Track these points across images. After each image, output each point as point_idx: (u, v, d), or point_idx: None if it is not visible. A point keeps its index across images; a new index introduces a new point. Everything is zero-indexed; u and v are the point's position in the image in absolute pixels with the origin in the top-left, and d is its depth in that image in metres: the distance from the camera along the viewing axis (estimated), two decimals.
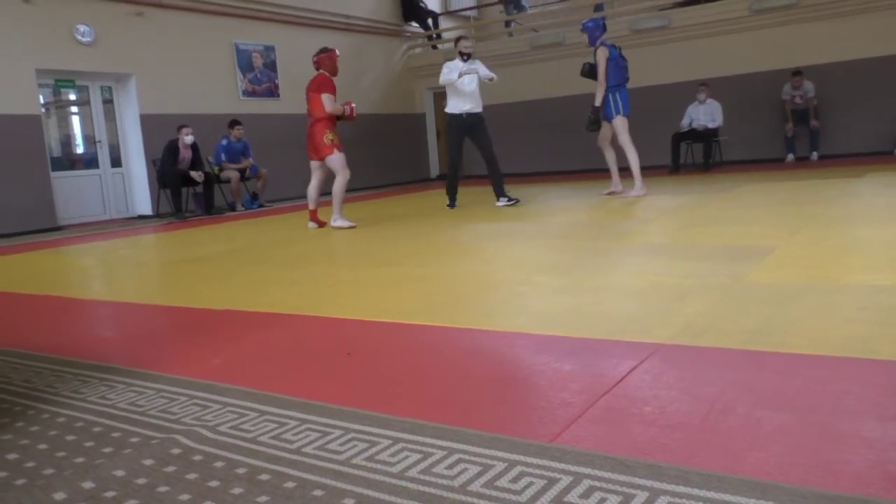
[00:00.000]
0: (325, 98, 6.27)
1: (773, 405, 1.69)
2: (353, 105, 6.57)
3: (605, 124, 7.49)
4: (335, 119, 6.42)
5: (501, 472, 1.43)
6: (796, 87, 10.38)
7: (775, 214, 5.16)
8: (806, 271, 3.19)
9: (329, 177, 6.61)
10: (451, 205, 7.52)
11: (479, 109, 7.35)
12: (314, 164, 6.62)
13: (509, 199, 7.29)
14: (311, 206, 6.76)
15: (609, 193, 7.63)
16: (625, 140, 7.29)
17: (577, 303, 2.92)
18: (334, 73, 6.47)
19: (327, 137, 6.31)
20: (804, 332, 2.26)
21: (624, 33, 11.94)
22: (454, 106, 7.29)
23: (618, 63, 7.26)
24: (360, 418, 1.78)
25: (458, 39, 7.52)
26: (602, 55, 7.19)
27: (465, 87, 7.19)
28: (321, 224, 6.71)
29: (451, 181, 7.56)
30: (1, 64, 8.42)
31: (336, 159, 6.36)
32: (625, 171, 7.61)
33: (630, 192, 7.31)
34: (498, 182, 7.38)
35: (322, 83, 6.34)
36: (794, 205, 5.60)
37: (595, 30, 7.35)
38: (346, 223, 6.41)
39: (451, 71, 7.17)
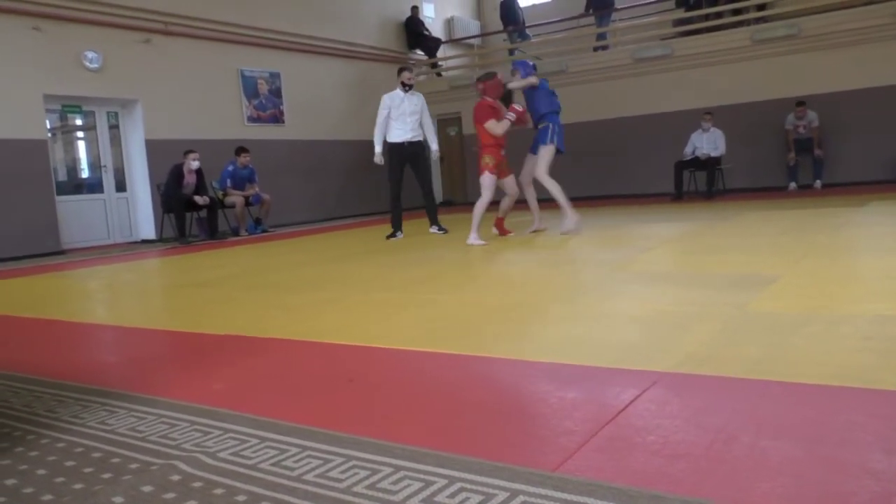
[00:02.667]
0: (490, 126, 6.51)
1: (778, 435, 1.67)
2: (517, 108, 6.56)
3: (529, 156, 7.03)
4: (501, 145, 6.67)
5: (504, 502, 1.41)
6: (800, 116, 10.44)
7: (778, 243, 5.16)
8: (810, 300, 3.18)
9: (520, 192, 6.89)
10: (394, 235, 7.72)
11: (420, 138, 7.70)
12: (499, 182, 6.84)
13: (440, 228, 7.84)
14: (500, 215, 7.09)
15: (534, 231, 7.14)
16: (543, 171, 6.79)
17: (581, 330, 2.91)
18: (499, 97, 6.69)
19: (484, 160, 6.63)
20: (808, 362, 2.25)
21: (627, 62, 12.06)
22: (396, 135, 7.60)
23: (548, 91, 6.96)
24: (362, 445, 1.76)
25: (401, 70, 7.78)
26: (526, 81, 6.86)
27: (405, 116, 7.55)
28: (504, 233, 6.98)
29: (396, 211, 7.76)
30: (9, 89, 8.51)
31: (485, 179, 6.63)
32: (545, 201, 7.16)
33: (566, 225, 6.72)
34: (433, 211, 7.97)
35: (482, 113, 6.58)
36: (797, 233, 5.60)
37: (525, 67, 7.06)
38: (478, 242, 6.49)
39: (387, 105, 7.56)
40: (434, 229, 7.89)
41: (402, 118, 7.58)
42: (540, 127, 6.89)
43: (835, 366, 2.18)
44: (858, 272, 3.90)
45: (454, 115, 14.37)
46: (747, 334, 2.63)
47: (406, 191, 7.97)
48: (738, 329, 2.72)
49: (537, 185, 6.98)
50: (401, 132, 7.59)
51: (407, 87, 7.61)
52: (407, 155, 7.64)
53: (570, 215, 6.71)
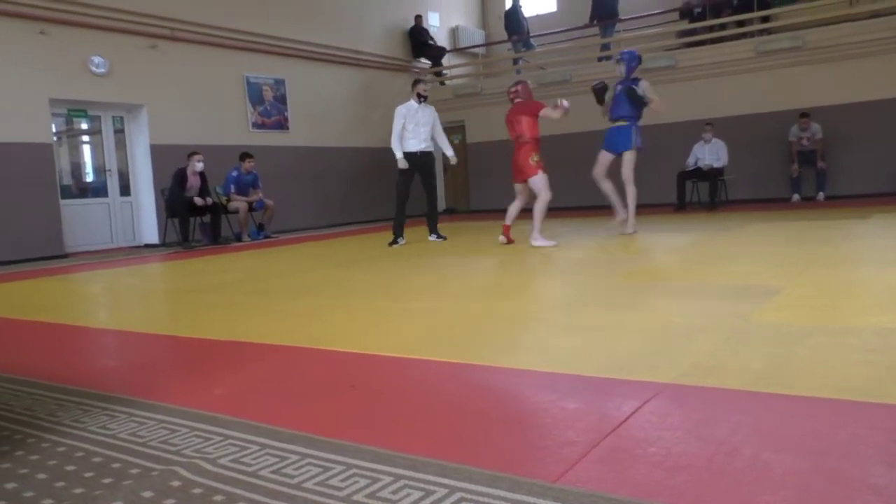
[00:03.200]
0: (547, 112, 6.54)
1: (781, 448, 1.66)
2: (564, 103, 6.56)
3: (606, 155, 7.39)
4: (540, 142, 6.71)
5: None
6: (803, 129, 10.45)
7: (782, 254, 5.15)
8: (813, 312, 3.17)
9: (531, 199, 6.85)
10: (396, 241, 7.79)
11: (431, 148, 7.94)
12: (518, 186, 6.92)
13: (439, 236, 8.03)
14: (507, 222, 7.03)
15: (621, 223, 7.43)
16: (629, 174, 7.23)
17: (583, 340, 2.91)
18: (531, 98, 6.86)
19: (532, 159, 6.61)
20: (812, 374, 2.24)
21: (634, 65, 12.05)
22: (409, 145, 7.77)
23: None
24: (363, 454, 1.76)
25: (415, 81, 7.97)
26: (648, 85, 7.21)
27: (418, 127, 7.75)
28: (510, 241, 6.98)
29: (400, 218, 7.86)
30: (16, 93, 8.54)
31: (539, 180, 6.61)
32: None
33: (627, 229, 7.24)
34: (435, 220, 8.14)
35: (529, 106, 6.67)
36: (800, 244, 5.59)
37: (632, 61, 7.35)
38: (545, 242, 6.53)
39: (402, 116, 7.71)
40: (433, 237, 8.07)
41: (416, 129, 7.76)
42: (619, 125, 7.18)
43: (838, 378, 2.17)
44: (862, 284, 3.89)
45: (458, 123, 14.39)
46: (750, 345, 2.62)
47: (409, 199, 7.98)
48: (742, 340, 2.71)
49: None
50: (414, 142, 7.77)
51: (422, 98, 7.79)
52: (418, 165, 7.81)
53: (632, 221, 7.21)
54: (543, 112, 6.59)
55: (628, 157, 7.16)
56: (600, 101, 7.31)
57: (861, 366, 2.29)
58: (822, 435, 1.74)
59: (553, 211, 7.27)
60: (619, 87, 7.28)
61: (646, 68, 11.96)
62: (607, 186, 7.44)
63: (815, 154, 10.46)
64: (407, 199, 7.88)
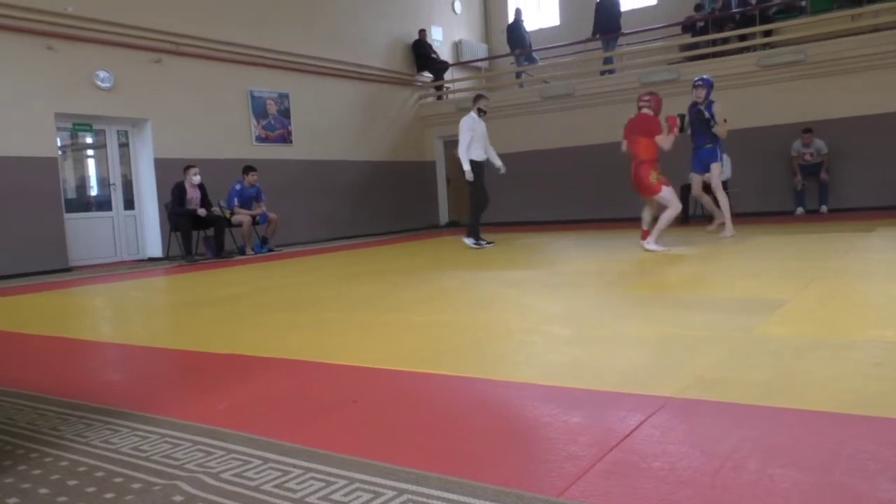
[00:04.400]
0: (661, 139, 6.74)
1: (786, 462, 1.65)
2: (676, 119, 6.83)
3: (696, 177, 7.97)
4: (658, 161, 6.88)
5: None
6: (806, 144, 10.45)
7: (786, 267, 5.14)
8: (818, 325, 3.16)
9: (660, 209, 6.99)
10: (486, 243, 8.37)
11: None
12: (645, 197, 7.10)
13: (476, 241, 8.41)
14: (645, 227, 7.13)
15: (718, 227, 7.98)
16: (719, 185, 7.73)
17: (587, 353, 2.90)
18: (659, 113, 6.98)
19: (653, 177, 6.79)
20: (817, 388, 2.23)
21: (634, 85, 12.09)
22: (477, 154, 8.28)
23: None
24: (365, 468, 1.75)
25: (478, 97, 8.56)
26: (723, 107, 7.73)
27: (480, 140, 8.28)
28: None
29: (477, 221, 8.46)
30: (21, 107, 8.59)
31: (666, 194, 6.79)
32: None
33: (725, 233, 7.66)
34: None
35: (652, 124, 6.78)
36: (804, 258, 5.58)
37: (710, 87, 7.80)
38: (659, 248, 6.73)
39: (471, 128, 8.19)
40: (470, 241, 8.44)
41: (479, 140, 8.31)
42: (707, 147, 7.72)
43: (843, 392, 2.16)
44: (866, 297, 3.88)
45: None
46: (755, 359, 2.61)
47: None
48: (746, 353, 2.70)
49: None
50: (479, 152, 8.33)
51: (483, 112, 8.41)
52: (480, 172, 8.32)
53: (729, 226, 7.69)
54: (659, 139, 6.74)
55: (716, 171, 7.63)
56: (682, 129, 7.66)
57: (866, 379, 2.28)
58: (827, 449, 1.73)
59: (552, 225, 7.27)
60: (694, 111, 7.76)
61: (648, 81, 12.02)
62: (706, 200, 8.16)
63: (820, 166, 10.46)
64: (487, 202, 8.45)
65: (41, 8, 8.70)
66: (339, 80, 12.89)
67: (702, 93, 7.70)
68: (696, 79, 7.93)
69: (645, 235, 7.06)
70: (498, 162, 8.49)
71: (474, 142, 8.22)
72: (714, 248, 6.76)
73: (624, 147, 7.09)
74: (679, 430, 1.92)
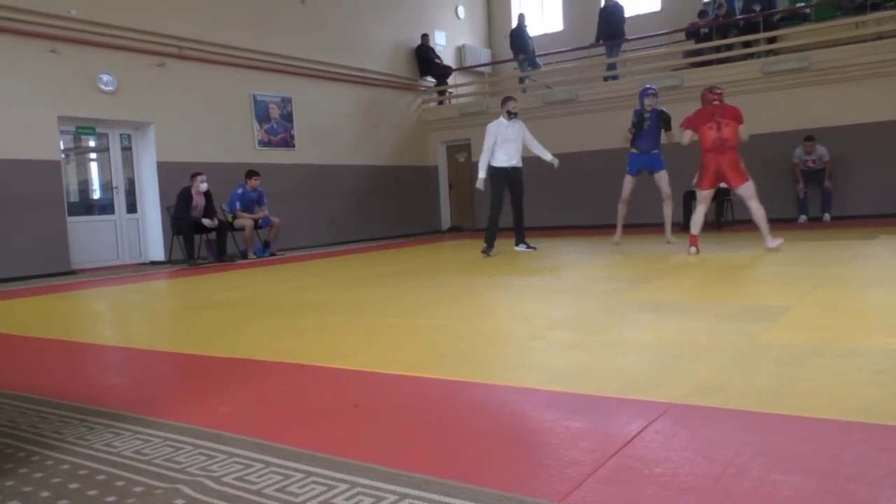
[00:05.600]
0: (744, 130, 6.79)
1: (788, 469, 1.65)
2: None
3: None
4: None
5: None
6: (808, 151, 10.45)
7: (789, 274, 5.14)
8: (820, 332, 3.16)
9: (709, 210, 7.05)
10: (488, 252, 7.92)
11: (520, 164, 8.12)
12: (705, 193, 7.02)
13: (528, 246, 8.22)
14: (694, 232, 7.00)
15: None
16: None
17: (589, 359, 2.90)
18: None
19: (742, 165, 6.78)
20: (819, 395, 2.22)
21: (637, 92, 12.09)
22: (501, 160, 7.95)
23: None
24: (366, 472, 1.75)
25: (506, 99, 8.23)
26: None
27: (509, 142, 7.94)
28: (698, 250, 6.91)
29: (494, 229, 8.03)
30: (25, 111, 8.61)
31: (752, 185, 6.80)
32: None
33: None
34: (522, 231, 8.33)
35: (738, 112, 6.83)
36: (807, 265, 5.58)
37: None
38: (776, 242, 6.68)
39: (493, 133, 7.91)
40: (521, 247, 8.31)
41: (505, 145, 7.96)
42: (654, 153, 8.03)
43: (846, 399, 2.16)
44: (869, 305, 3.87)
45: (464, 141, 14.45)
46: (758, 365, 2.61)
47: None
48: (749, 360, 2.70)
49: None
50: (505, 158, 7.97)
51: (512, 115, 8.01)
52: (509, 179, 8.01)
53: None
54: (741, 129, 6.79)
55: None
56: None
57: (869, 386, 2.27)
58: (829, 456, 1.72)
59: (555, 230, 7.26)
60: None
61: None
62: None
63: (822, 173, 10.45)
64: (500, 211, 8.07)
65: (45, 11, 8.73)
66: (341, 85, 12.91)
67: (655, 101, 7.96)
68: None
69: (694, 241, 6.92)
70: (548, 157, 8.20)
71: (498, 147, 7.94)
72: (715, 254, 6.76)
73: (687, 139, 7.01)
74: (681, 436, 1.91)
